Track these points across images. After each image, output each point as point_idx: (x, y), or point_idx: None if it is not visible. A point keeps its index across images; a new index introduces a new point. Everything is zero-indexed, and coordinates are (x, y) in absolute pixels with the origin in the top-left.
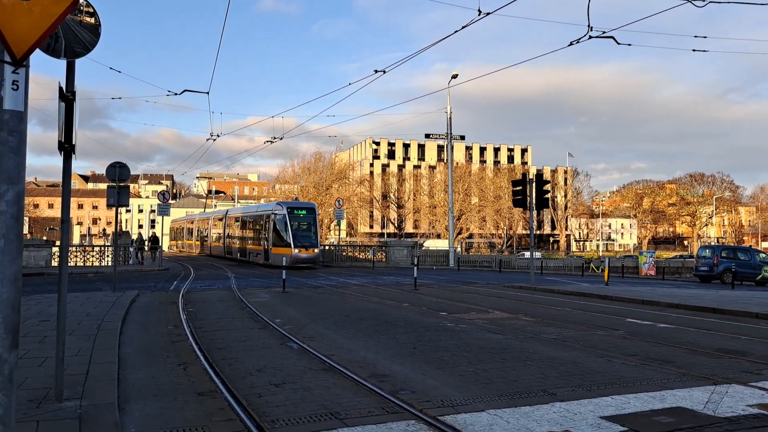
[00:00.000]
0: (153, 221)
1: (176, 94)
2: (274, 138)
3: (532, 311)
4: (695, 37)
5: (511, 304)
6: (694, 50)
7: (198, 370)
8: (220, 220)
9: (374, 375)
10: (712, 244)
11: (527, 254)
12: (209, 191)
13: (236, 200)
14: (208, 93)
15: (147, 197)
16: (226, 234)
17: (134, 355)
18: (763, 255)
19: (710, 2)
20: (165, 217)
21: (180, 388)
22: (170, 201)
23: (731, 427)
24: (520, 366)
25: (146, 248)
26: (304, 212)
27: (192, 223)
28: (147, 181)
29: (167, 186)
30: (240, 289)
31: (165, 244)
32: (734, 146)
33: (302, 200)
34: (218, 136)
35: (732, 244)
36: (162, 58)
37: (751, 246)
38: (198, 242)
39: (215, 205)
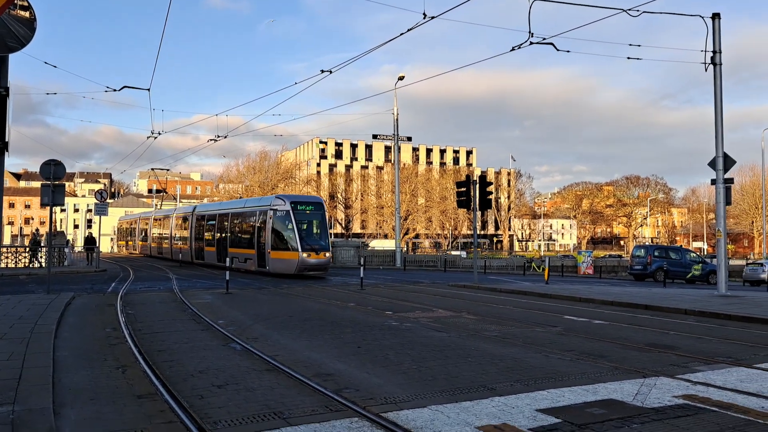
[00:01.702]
0: (90, 221)
1: (115, 90)
2: (218, 136)
3: (475, 309)
4: (630, 45)
5: (455, 303)
6: (628, 58)
7: (137, 373)
8: (184, 219)
9: (318, 374)
10: (646, 244)
11: (455, 252)
12: (150, 190)
13: (178, 199)
14: (148, 90)
15: (84, 196)
16: (194, 235)
17: (70, 359)
18: (693, 254)
19: (644, 12)
20: (106, 217)
21: (118, 391)
22: (108, 200)
23: (657, 417)
24: (462, 363)
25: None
26: (311, 208)
27: (146, 222)
28: (84, 180)
29: (105, 185)
30: (182, 291)
31: (104, 244)
32: (668, 150)
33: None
34: (159, 133)
35: (665, 244)
36: (102, 54)
37: (682, 246)
38: (155, 244)
39: (156, 205)
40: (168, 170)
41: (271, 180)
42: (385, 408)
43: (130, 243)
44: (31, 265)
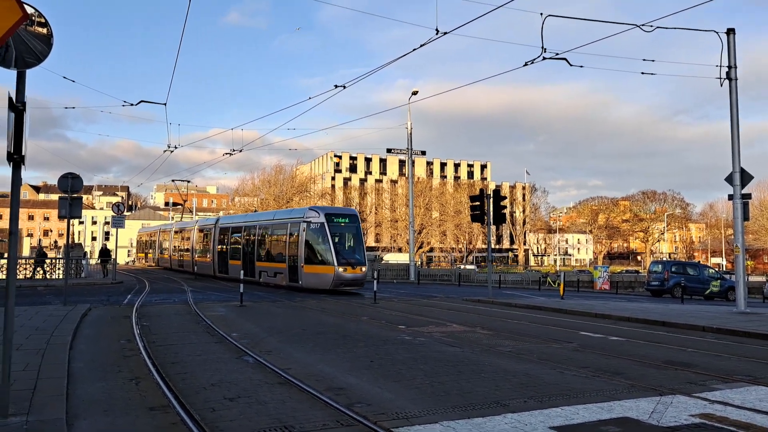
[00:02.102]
0: (107, 233)
1: (132, 104)
2: (233, 150)
3: (489, 324)
4: (644, 60)
5: (468, 318)
6: (642, 73)
7: (150, 385)
8: (206, 231)
9: (330, 388)
10: (664, 259)
11: (469, 267)
12: (167, 202)
13: (194, 212)
14: (165, 104)
15: (101, 209)
16: (217, 248)
17: (85, 370)
18: (712, 270)
19: (658, 27)
20: (123, 229)
21: (131, 402)
22: (125, 213)
23: None
24: (475, 378)
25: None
26: (346, 220)
27: (166, 234)
28: (102, 193)
29: (122, 197)
30: (196, 303)
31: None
32: (684, 165)
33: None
34: (176, 147)
35: (682, 260)
36: (120, 69)
37: (700, 261)
38: (175, 256)
39: (172, 217)
40: (189, 182)
41: (286, 193)
42: (396, 423)
43: (149, 255)
44: (34, 277)
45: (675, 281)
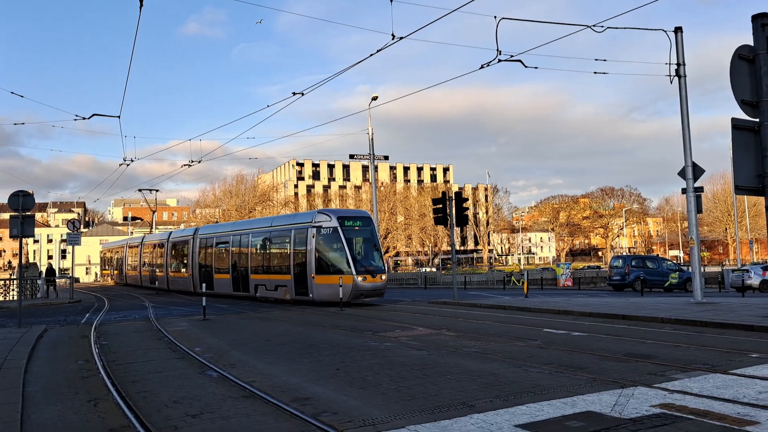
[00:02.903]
0: (64, 251)
1: (84, 118)
2: (192, 161)
3: (455, 326)
4: (596, 60)
5: (434, 320)
6: (595, 72)
7: (110, 406)
8: (182, 243)
9: (296, 399)
10: (624, 254)
11: (432, 269)
12: (125, 217)
13: (154, 226)
14: (118, 117)
15: (57, 226)
16: (199, 261)
17: (40, 394)
18: (670, 263)
19: (608, 28)
20: (80, 246)
21: (90, 425)
22: (82, 229)
23: (635, 428)
24: (441, 380)
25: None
26: (360, 223)
27: (134, 248)
28: (57, 210)
29: (78, 214)
30: (158, 319)
31: (80, 274)
32: (640, 161)
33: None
34: (132, 160)
35: (642, 254)
36: (73, 84)
37: (658, 255)
38: (146, 272)
39: (131, 232)
40: (157, 191)
41: (248, 203)
42: (363, 430)
43: (116, 272)
44: (39, 295)
45: (635, 275)
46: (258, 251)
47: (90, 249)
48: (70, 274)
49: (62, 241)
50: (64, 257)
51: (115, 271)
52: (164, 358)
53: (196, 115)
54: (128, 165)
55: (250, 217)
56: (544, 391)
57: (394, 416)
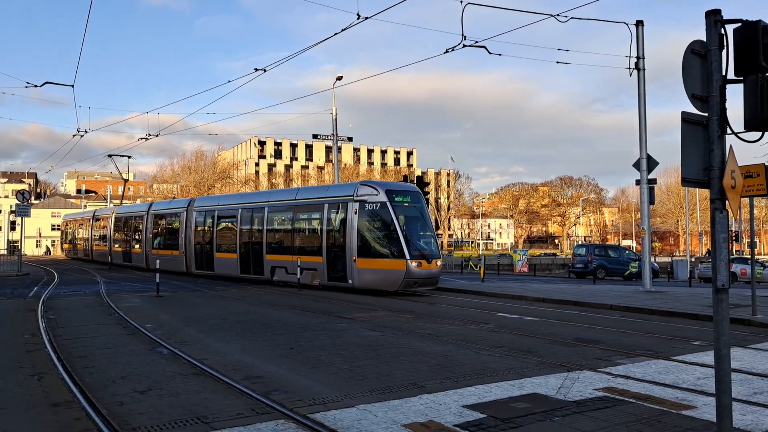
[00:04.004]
0: (13, 223)
1: (36, 86)
2: (150, 135)
3: (411, 308)
4: (558, 50)
5: (391, 303)
6: (557, 62)
7: (54, 381)
8: (166, 218)
9: (248, 377)
10: (588, 243)
11: None
12: (79, 190)
13: (109, 200)
14: (72, 86)
15: (6, 197)
16: (195, 237)
17: None
18: (630, 253)
19: (572, 18)
20: (29, 217)
21: (32, 400)
22: (33, 201)
23: (578, 410)
24: (393, 361)
25: None
26: (410, 198)
27: (102, 221)
28: (6, 180)
29: (30, 185)
30: (109, 295)
31: (31, 247)
32: (599, 152)
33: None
34: (86, 131)
35: (604, 243)
36: (27, 50)
37: (619, 244)
38: (119, 247)
39: (85, 205)
40: (130, 157)
41: (207, 180)
42: (312, 409)
43: (79, 246)
44: None
45: (598, 263)
46: (277, 228)
47: (41, 221)
48: (19, 247)
49: (12, 212)
50: (13, 229)
51: (79, 245)
52: (114, 334)
53: (155, 88)
54: (82, 136)
55: (209, 194)
56: (494, 374)
57: (344, 395)
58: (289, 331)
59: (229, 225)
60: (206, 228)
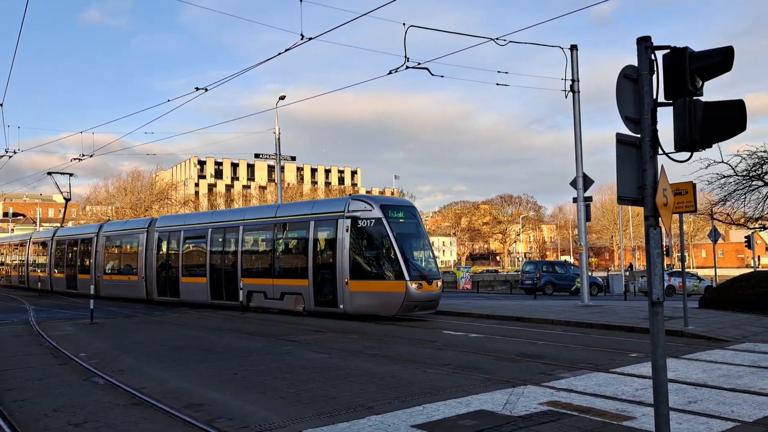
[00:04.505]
0: None
1: None
2: (83, 155)
3: (358, 329)
4: (498, 72)
5: (338, 324)
6: (497, 84)
7: None
8: (120, 241)
9: (190, 405)
10: (536, 260)
11: None
12: (6, 213)
13: (38, 223)
14: (0, 105)
15: None
16: (153, 262)
17: None
18: (576, 268)
19: (511, 42)
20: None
21: None
22: None
23: (524, 425)
24: (341, 383)
25: None
26: (405, 214)
27: (41, 246)
28: None
29: None
30: (39, 323)
31: None
32: (538, 171)
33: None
34: (15, 152)
35: (549, 260)
36: None
37: (566, 261)
38: (60, 273)
39: (12, 229)
40: (72, 174)
41: (145, 201)
42: None
43: (12, 273)
44: None
45: (546, 279)
46: (254, 249)
47: None
48: None
49: None
50: None
51: (12, 272)
52: (45, 365)
53: (91, 107)
54: (10, 157)
55: (147, 215)
56: (441, 392)
57: (291, 420)
58: (232, 356)
59: (198, 246)
60: (171, 250)
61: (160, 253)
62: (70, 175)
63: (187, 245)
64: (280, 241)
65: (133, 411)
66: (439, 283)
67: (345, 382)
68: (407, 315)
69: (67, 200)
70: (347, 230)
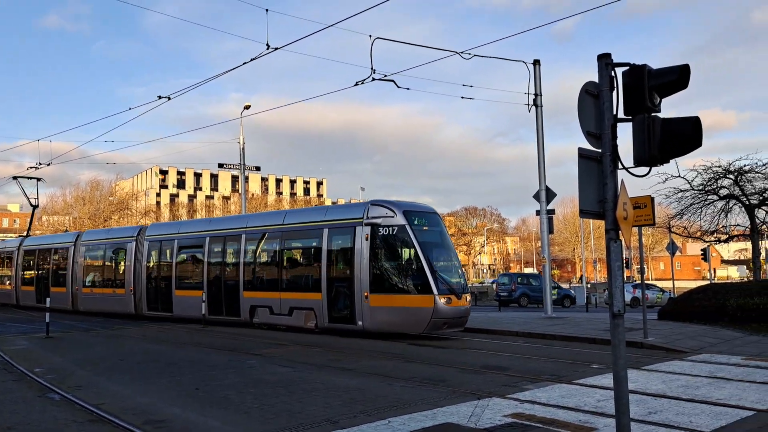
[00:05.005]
0: None
1: None
2: (40, 164)
3: (325, 342)
4: (463, 85)
5: (305, 337)
6: (462, 97)
7: None
8: (100, 251)
9: (150, 421)
10: (511, 272)
11: None
12: None
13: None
14: None
15: None
16: (142, 273)
17: None
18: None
19: (475, 55)
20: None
21: None
22: None
23: None
24: (306, 397)
25: None
26: (430, 222)
27: (6, 255)
28: None
29: None
30: None
31: None
32: (502, 184)
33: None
34: None
35: (528, 272)
36: None
37: (540, 273)
38: (29, 287)
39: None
40: (39, 179)
41: (104, 211)
42: None
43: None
44: None
45: (521, 291)
46: (258, 260)
47: None
48: None
49: None
50: None
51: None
52: None
53: (49, 114)
54: None
55: (105, 227)
56: (407, 405)
57: None
58: (194, 370)
59: (194, 256)
60: (163, 261)
61: (151, 264)
62: (38, 180)
63: (181, 255)
64: (289, 250)
65: (90, 428)
66: (468, 298)
67: (310, 396)
68: (433, 333)
69: (35, 207)
70: (367, 238)
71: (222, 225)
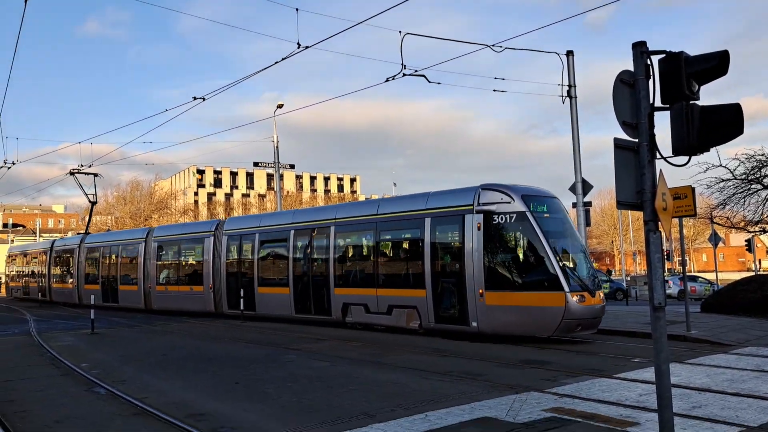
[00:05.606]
0: None
1: None
2: (82, 165)
3: (361, 337)
4: (495, 78)
5: (340, 332)
6: (494, 90)
7: None
8: (188, 243)
9: (191, 415)
10: None
11: None
12: (5, 224)
13: (38, 234)
14: None
15: None
16: (223, 270)
17: None
18: (602, 274)
19: (506, 48)
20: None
21: None
22: None
23: (527, 431)
24: (344, 392)
25: None
26: (551, 207)
27: (68, 253)
28: None
29: None
30: (40, 333)
31: None
32: (537, 176)
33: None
34: (13, 163)
35: None
36: None
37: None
38: (94, 285)
39: (11, 240)
40: (97, 175)
41: (144, 211)
42: None
43: (31, 284)
44: None
45: None
46: (350, 253)
47: None
48: None
49: None
50: None
51: (31, 283)
52: (46, 375)
53: (89, 118)
54: (9, 168)
55: (146, 226)
56: (445, 399)
57: (293, 429)
58: (234, 365)
59: (278, 251)
60: (243, 256)
61: (231, 259)
62: (95, 175)
63: (264, 250)
64: (385, 243)
65: (134, 421)
66: (602, 295)
67: (347, 390)
68: (565, 336)
69: (93, 203)
70: (479, 228)
71: (308, 217)
